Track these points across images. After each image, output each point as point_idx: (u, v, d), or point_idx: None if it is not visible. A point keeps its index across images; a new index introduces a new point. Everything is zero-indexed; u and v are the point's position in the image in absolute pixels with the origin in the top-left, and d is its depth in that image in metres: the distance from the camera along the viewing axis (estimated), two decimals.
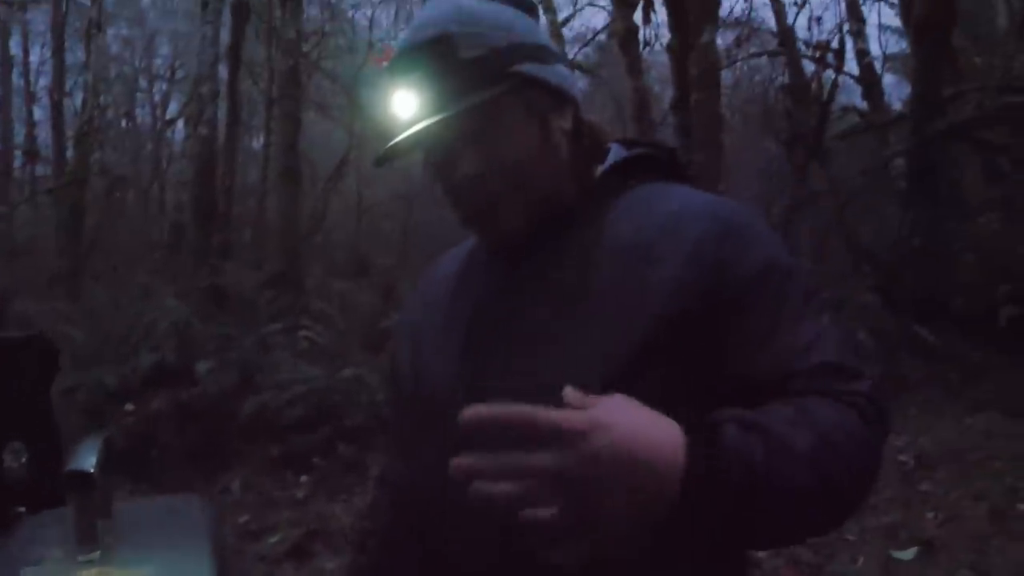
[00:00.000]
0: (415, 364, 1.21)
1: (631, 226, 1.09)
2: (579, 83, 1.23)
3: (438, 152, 1.13)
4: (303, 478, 5.81)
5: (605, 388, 0.93)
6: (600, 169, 1.17)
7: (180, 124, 18.78)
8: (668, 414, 0.92)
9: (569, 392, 0.88)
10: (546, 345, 1.06)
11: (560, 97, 1.13)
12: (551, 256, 1.11)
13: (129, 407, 6.04)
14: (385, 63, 1.13)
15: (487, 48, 1.08)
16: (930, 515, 4.54)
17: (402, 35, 1.16)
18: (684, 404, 0.95)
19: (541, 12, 1.23)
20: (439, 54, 1.07)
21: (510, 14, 1.13)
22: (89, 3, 12.52)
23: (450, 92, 1.07)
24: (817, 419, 0.95)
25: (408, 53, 1.10)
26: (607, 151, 1.19)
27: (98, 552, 0.88)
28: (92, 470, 0.89)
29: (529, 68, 1.10)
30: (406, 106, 1.08)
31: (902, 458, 5.25)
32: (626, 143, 1.21)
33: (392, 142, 1.10)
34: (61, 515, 0.98)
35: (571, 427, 0.83)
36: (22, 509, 1.05)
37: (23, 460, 1.24)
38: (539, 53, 1.12)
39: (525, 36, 1.12)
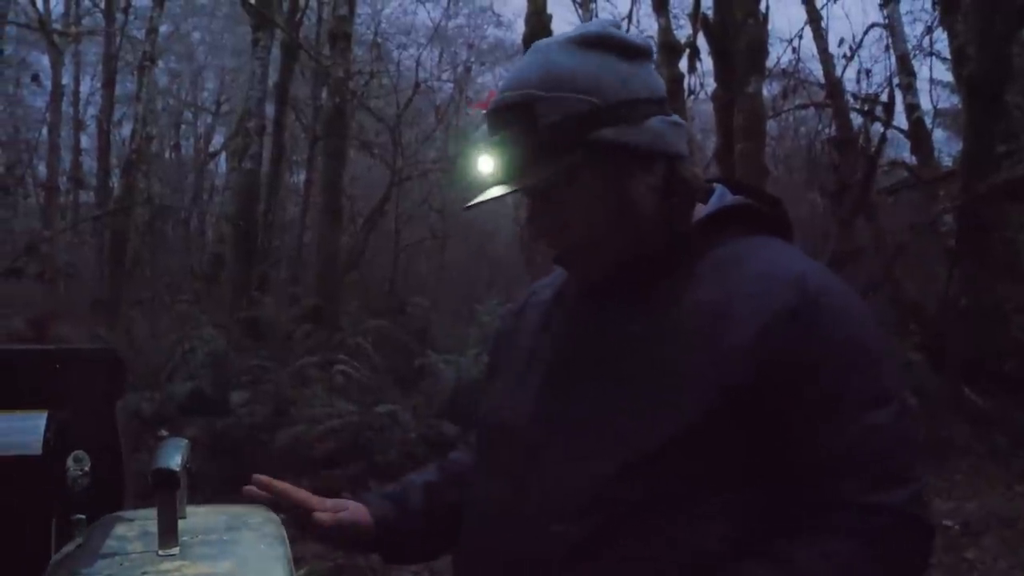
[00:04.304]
0: (500, 389, 1.26)
1: (716, 285, 1.09)
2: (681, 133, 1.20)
3: (525, 201, 1.18)
4: None
5: (667, 446, 1.02)
6: (700, 213, 1.16)
7: (222, 157, 19.16)
8: (727, 481, 1.03)
9: None
10: (618, 396, 1.08)
11: (647, 155, 1.12)
12: (635, 306, 1.12)
13: (163, 432, 6.05)
14: (484, 110, 1.17)
15: (567, 114, 1.09)
16: None
17: (500, 84, 1.19)
18: (743, 473, 1.03)
19: None
20: (520, 118, 1.10)
21: (603, 68, 1.12)
22: (143, 36, 12.82)
23: (527, 159, 1.10)
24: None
25: (495, 112, 1.14)
26: (710, 192, 1.19)
27: (178, 548, 0.91)
28: (178, 468, 0.93)
29: (608, 134, 1.09)
30: (489, 165, 1.15)
31: (947, 523, 5.12)
32: (732, 185, 1.21)
33: (473, 202, 1.16)
34: (141, 512, 1.03)
35: None
36: (82, 516, 1.06)
37: (86, 469, 1.26)
38: (628, 112, 1.10)
39: (614, 94, 1.10)
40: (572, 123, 1.08)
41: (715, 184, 1.21)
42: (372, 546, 1.29)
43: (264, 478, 1.22)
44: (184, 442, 0.99)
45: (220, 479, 5.77)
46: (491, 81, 18.34)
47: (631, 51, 1.14)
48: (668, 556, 1.02)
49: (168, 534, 0.91)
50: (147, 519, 0.98)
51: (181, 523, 0.95)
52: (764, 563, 1.00)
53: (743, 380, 1.02)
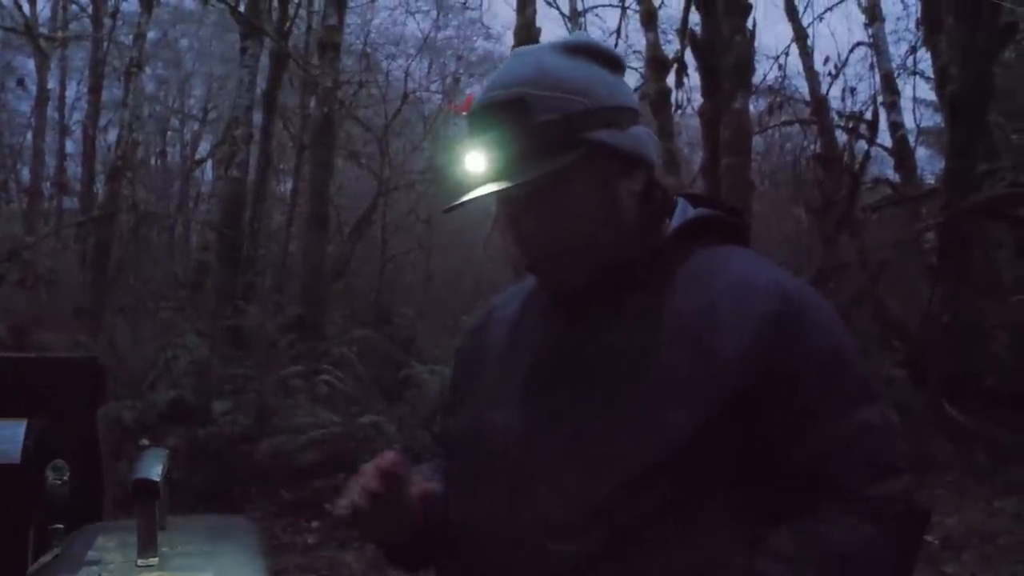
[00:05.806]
0: (475, 407, 1.21)
1: (695, 294, 1.09)
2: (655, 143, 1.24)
3: (506, 203, 1.14)
4: (315, 523, 5.73)
5: (663, 457, 1.01)
6: (667, 226, 1.17)
7: (208, 164, 19.08)
8: (723, 485, 1.03)
9: None
10: (608, 410, 1.06)
11: (632, 161, 1.13)
12: (613, 316, 1.11)
13: (144, 441, 6.00)
14: (465, 112, 1.15)
15: (561, 113, 1.09)
16: None
17: (484, 85, 1.17)
18: (738, 475, 1.03)
19: None
20: (514, 116, 1.09)
21: (591, 74, 1.13)
22: (130, 42, 12.77)
23: (520, 156, 1.08)
24: (826, 549, 1.00)
25: (485, 111, 1.11)
26: (674, 206, 1.20)
27: (157, 559, 0.91)
28: (158, 478, 0.93)
29: (601, 135, 1.10)
30: (478, 163, 1.11)
31: (928, 538, 5.13)
32: (692, 199, 1.22)
33: (461, 200, 1.13)
34: (122, 523, 1.04)
35: None
36: (60, 526, 1.04)
37: (65, 478, 1.25)
38: (615, 117, 1.12)
39: (603, 99, 1.12)
40: (567, 122, 1.08)
41: (676, 198, 1.21)
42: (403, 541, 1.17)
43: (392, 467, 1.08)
44: (164, 452, 0.99)
45: (201, 489, 5.74)
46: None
47: (612, 62, 1.16)
48: (668, 567, 1.02)
49: (147, 544, 0.90)
50: (126, 529, 0.97)
51: (161, 533, 0.94)
52: (790, 537, 1.01)
53: (738, 387, 1.02)
